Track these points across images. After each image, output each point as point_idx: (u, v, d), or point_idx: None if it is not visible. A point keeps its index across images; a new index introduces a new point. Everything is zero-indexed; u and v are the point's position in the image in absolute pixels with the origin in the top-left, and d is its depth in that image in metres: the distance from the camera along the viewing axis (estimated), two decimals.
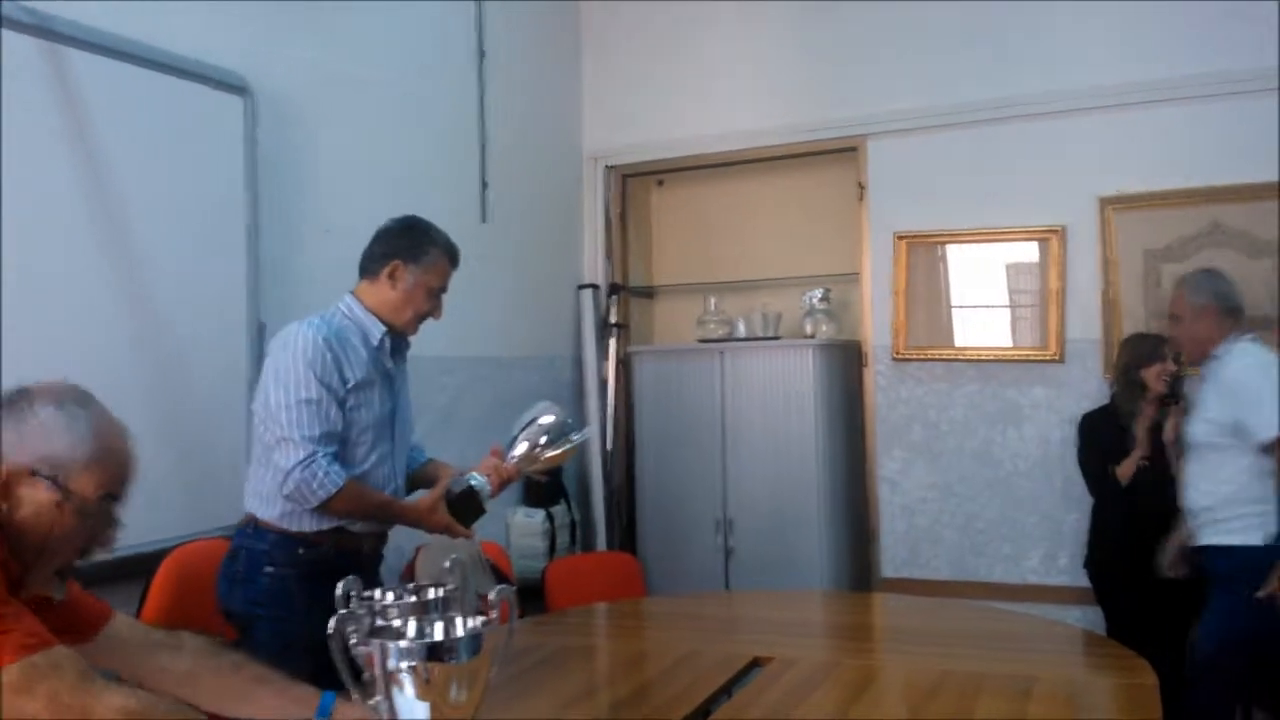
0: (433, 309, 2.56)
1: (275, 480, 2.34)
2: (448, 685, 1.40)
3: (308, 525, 2.38)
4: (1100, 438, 3.77)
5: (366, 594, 1.68)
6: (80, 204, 2.64)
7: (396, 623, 1.51)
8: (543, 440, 2.51)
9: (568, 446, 2.54)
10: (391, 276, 2.50)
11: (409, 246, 2.51)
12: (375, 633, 1.45)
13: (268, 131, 3.17)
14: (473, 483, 2.46)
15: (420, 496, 2.51)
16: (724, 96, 4.75)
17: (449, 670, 1.39)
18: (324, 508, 2.34)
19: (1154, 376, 3.63)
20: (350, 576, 1.65)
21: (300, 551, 2.39)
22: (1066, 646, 2.71)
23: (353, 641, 1.42)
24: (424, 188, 3.82)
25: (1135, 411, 3.64)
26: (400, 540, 2.94)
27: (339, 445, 2.40)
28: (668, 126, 4.84)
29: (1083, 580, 3.89)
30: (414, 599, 1.68)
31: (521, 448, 2.51)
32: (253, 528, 2.41)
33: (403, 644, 1.39)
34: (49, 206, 2.56)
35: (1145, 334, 3.80)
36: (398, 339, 2.57)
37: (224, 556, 2.49)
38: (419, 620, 1.51)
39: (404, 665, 1.37)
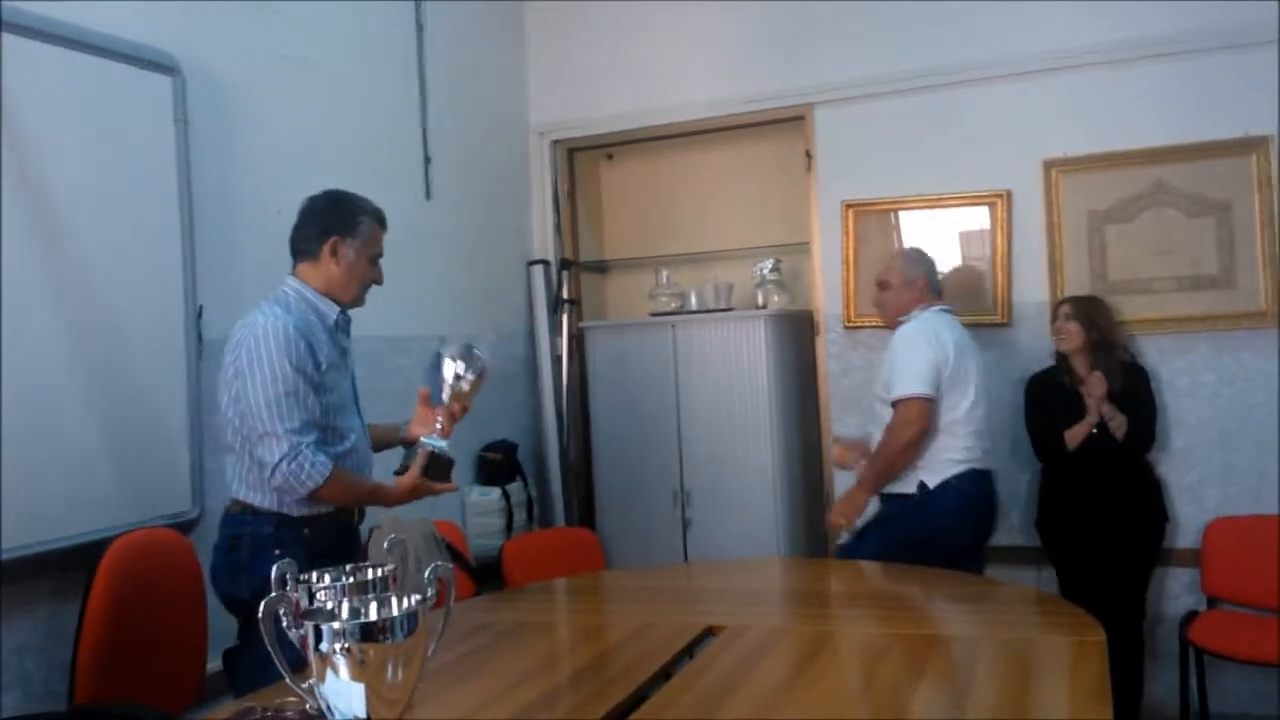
0: (376, 276, 2.60)
1: (262, 473, 2.37)
2: (383, 666, 1.37)
3: (308, 508, 2.44)
4: (1047, 400, 3.81)
5: (303, 577, 1.66)
6: (4, 189, 2.56)
7: (329, 604, 1.48)
8: (460, 370, 2.60)
9: (482, 362, 2.63)
10: (334, 254, 2.52)
11: (342, 220, 2.53)
12: (308, 615, 1.42)
13: (200, 112, 3.10)
14: (430, 447, 2.55)
15: (405, 477, 2.56)
16: (670, 68, 4.71)
17: (384, 650, 1.37)
18: (314, 496, 2.39)
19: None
20: (285, 560, 1.63)
21: (305, 532, 2.45)
22: (1017, 606, 2.74)
23: (285, 624, 1.39)
24: (365, 165, 3.76)
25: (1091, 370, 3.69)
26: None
27: (320, 431, 2.43)
28: (614, 99, 4.80)
29: (1036, 540, 3.93)
30: (352, 580, 1.66)
31: (446, 381, 2.60)
32: (250, 515, 2.45)
33: (335, 625, 1.36)
34: None
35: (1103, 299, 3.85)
36: (344, 316, 2.59)
37: (219, 547, 2.52)
38: (354, 601, 1.48)
39: (337, 647, 1.35)
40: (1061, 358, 3.81)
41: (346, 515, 2.56)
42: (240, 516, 2.47)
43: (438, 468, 2.57)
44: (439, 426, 2.59)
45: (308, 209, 2.56)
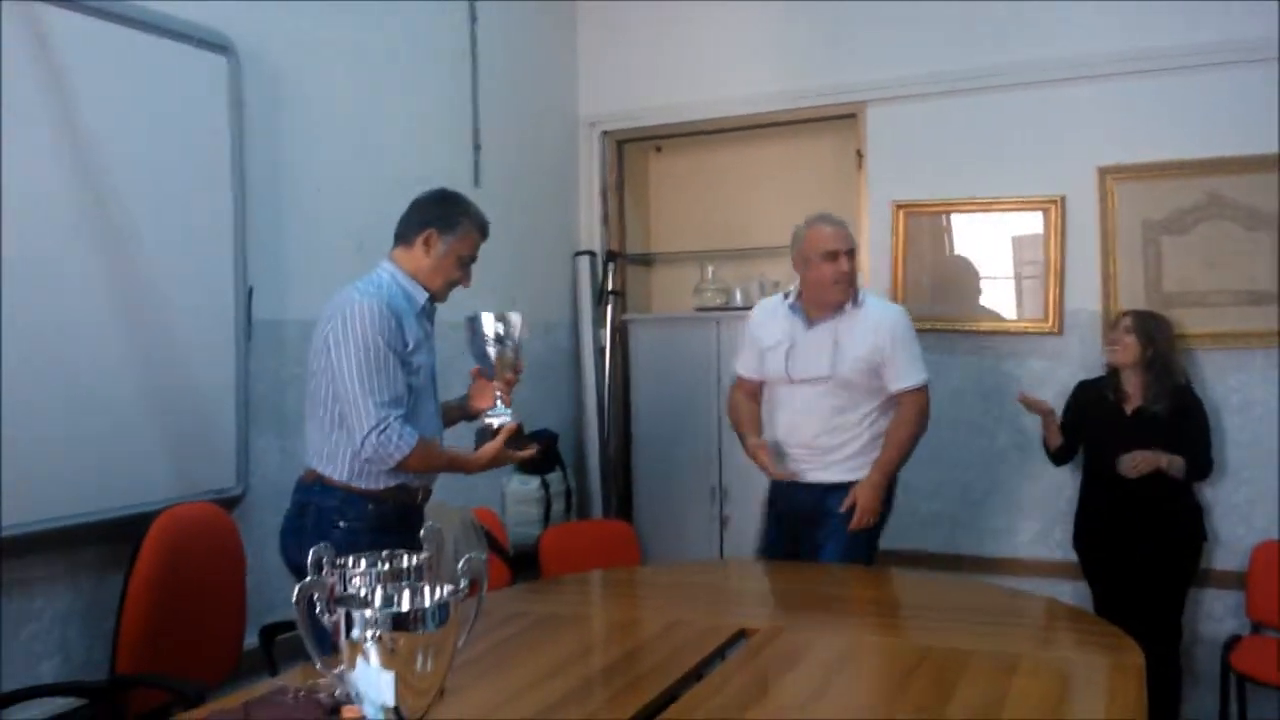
0: (462, 277, 2.71)
1: (348, 444, 2.48)
2: (413, 655, 1.38)
3: (376, 483, 2.54)
4: (1086, 408, 3.75)
5: (339, 561, 1.67)
6: (60, 167, 2.61)
7: (363, 591, 1.49)
8: (501, 330, 2.68)
9: (518, 324, 2.69)
10: (426, 244, 2.63)
11: (443, 216, 2.65)
12: (342, 600, 1.43)
13: (254, 92, 3.13)
14: (495, 422, 2.67)
15: (486, 447, 2.66)
16: (723, 62, 4.68)
17: (414, 640, 1.38)
18: (400, 467, 2.50)
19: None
20: (322, 543, 1.65)
21: (370, 507, 2.55)
22: (1053, 623, 2.69)
23: (318, 610, 1.40)
24: (415, 151, 3.78)
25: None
26: None
27: (406, 406, 2.53)
28: (665, 92, 4.78)
29: (1074, 555, 3.87)
30: (387, 567, 1.67)
31: (491, 353, 2.68)
32: (320, 485, 2.55)
33: (367, 613, 1.37)
34: (28, 170, 2.52)
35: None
36: (430, 303, 2.69)
37: (288, 513, 2.63)
38: (388, 589, 1.49)
39: (369, 634, 1.36)
40: (1112, 371, 3.73)
41: (410, 495, 2.64)
42: (311, 486, 2.58)
43: (516, 438, 2.68)
44: (499, 397, 2.69)
45: (418, 199, 2.69)
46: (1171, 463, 3.52)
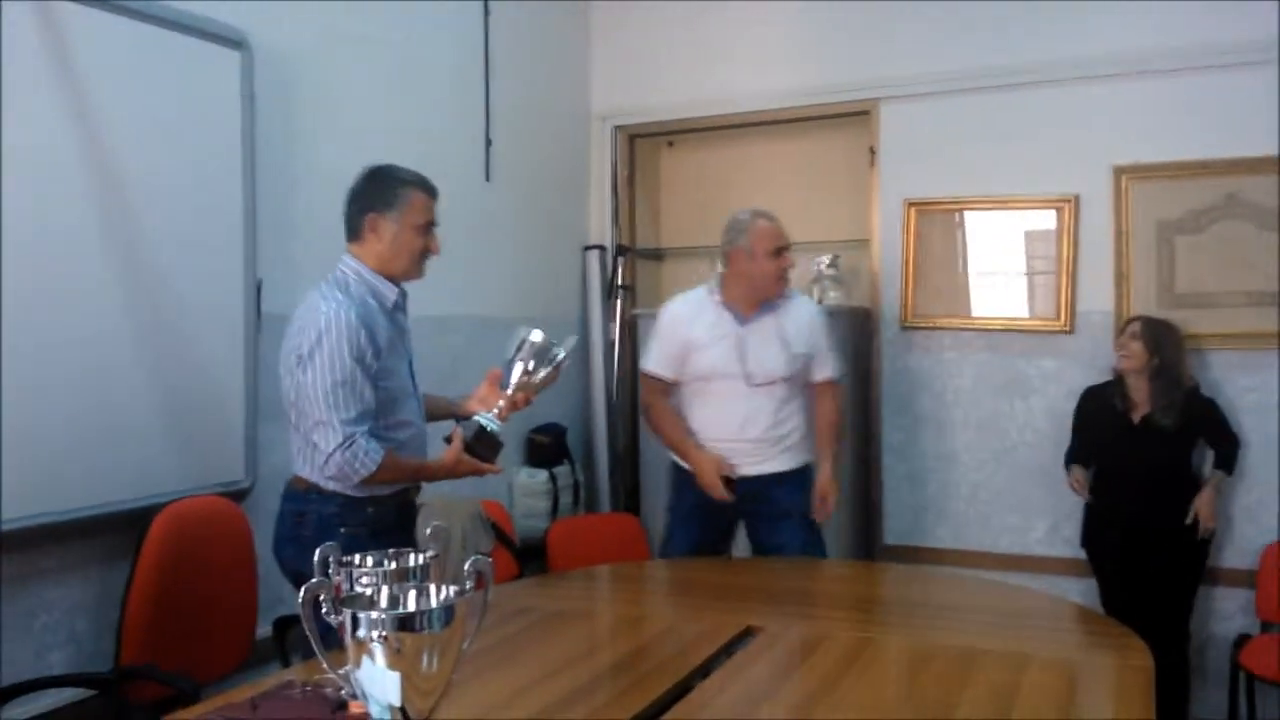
0: (428, 244, 2.57)
1: (317, 461, 2.43)
2: (419, 655, 1.38)
3: (368, 489, 2.48)
4: (1092, 415, 3.76)
5: (345, 560, 1.67)
6: (74, 159, 2.61)
7: (369, 591, 1.49)
8: (531, 364, 2.57)
9: (559, 359, 2.58)
10: (374, 230, 2.51)
11: (378, 195, 2.52)
12: (347, 601, 1.43)
13: (266, 87, 3.13)
14: (484, 423, 2.55)
15: (444, 453, 2.56)
16: (735, 57, 4.67)
17: (420, 640, 1.38)
18: (366, 482, 2.44)
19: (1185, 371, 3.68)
20: (328, 543, 1.64)
21: (369, 511, 2.50)
22: (1063, 623, 2.68)
23: (324, 610, 1.40)
24: (426, 146, 3.76)
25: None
26: None
27: (379, 419, 2.46)
28: (677, 87, 4.77)
29: (1082, 553, 3.87)
30: (394, 566, 1.67)
31: (517, 369, 2.57)
32: (316, 494, 2.49)
33: (373, 614, 1.37)
34: (42, 162, 2.53)
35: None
36: (402, 295, 2.60)
37: (282, 522, 2.56)
38: (394, 588, 1.49)
39: (374, 635, 1.36)
40: (1119, 378, 3.71)
41: (406, 495, 2.61)
42: (306, 495, 2.51)
43: (487, 445, 2.56)
44: (499, 409, 2.59)
45: (351, 189, 2.56)
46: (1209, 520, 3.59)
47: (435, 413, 2.78)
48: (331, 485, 2.47)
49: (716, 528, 3.39)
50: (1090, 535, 3.79)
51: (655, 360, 3.35)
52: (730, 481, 3.24)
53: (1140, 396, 3.62)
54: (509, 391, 2.58)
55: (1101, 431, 3.69)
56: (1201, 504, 3.56)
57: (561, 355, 2.59)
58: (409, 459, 2.56)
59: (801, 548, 3.27)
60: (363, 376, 2.41)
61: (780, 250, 3.25)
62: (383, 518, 2.52)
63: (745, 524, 3.39)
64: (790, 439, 3.32)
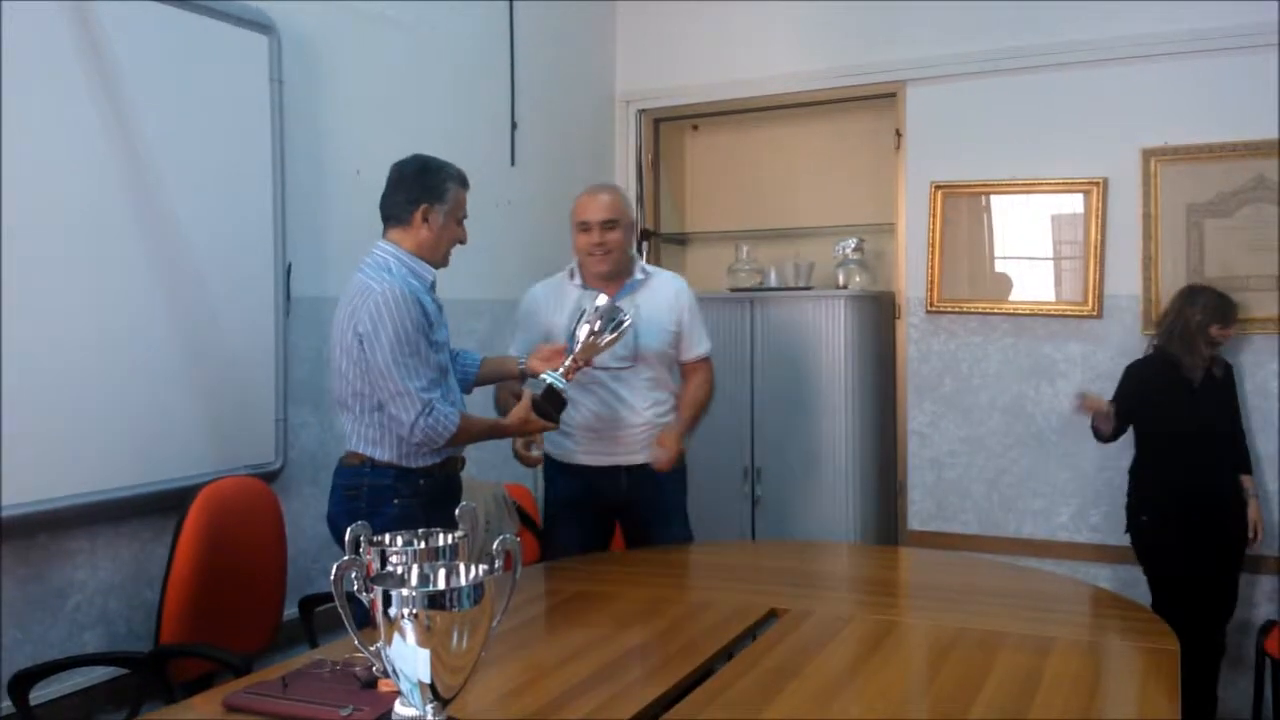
0: (462, 235, 2.72)
1: (389, 426, 2.54)
2: (449, 633, 1.40)
3: (424, 461, 2.61)
4: (1152, 385, 3.70)
5: (376, 539, 1.69)
6: (103, 144, 2.63)
7: (400, 569, 1.51)
8: (598, 325, 2.68)
9: (625, 324, 2.70)
10: (425, 220, 2.62)
11: (431, 187, 2.63)
12: (379, 579, 1.45)
13: (293, 71, 3.15)
14: (551, 381, 2.70)
15: (514, 410, 2.72)
16: (760, 40, 4.65)
17: (450, 618, 1.39)
18: (448, 443, 2.58)
19: (1218, 336, 3.62)
20: (360, 522, 1.67)
21: (421, 482, 2.62)
22: (1090, 607, 2.69)
23: (355, 588, 1.42)
24: (453, 129, 3.79)
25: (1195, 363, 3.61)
26: None
27: (443, 385, 2.59)
28: (702, 70, 4.75)
29: (1112, 539, 3.85)
30: (424, 545, 1.69)
31: (584, 330, 2.69)
32: (369, 467, 2.60)
33: (404, 591, 1.39)
34: (71, 147, 2.55)
35: (1221, 292, 3.69)
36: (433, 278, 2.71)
37: (336, 497, 2.66)
38: (424, 567, 1.51)
39: (405, 612, 1.38)
40: (1159, 349, 3.69)
41: (454, 466, 2.72)
42: (359, 469, 2.61)
43: (553, 403, 2.71)
44: (565, 368, 2.71)
45: (397, 176, 2.65)
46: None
47: (500, 371, 2.92)
48: (387, 457, 2.57)
49: (601, 521, 3.29)
50: (1137, 511, 3.73)
51: (519, 349, 3.15)
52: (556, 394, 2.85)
53: (1201, 360, 3.61)
54: (575, 350, 2.70)
55: (1161, 396, 3.65)
56: (1254, 514, 3.63)
57: (627, 321, 2.71)
58: (482, 418, 2.73)
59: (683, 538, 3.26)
60: (426, 345, 2.52)
61: (588, 225, 3.16)
62: (434, 488, 2.63)
63: (621, 520, 3.32)
64: (665, 425, 3.19)
